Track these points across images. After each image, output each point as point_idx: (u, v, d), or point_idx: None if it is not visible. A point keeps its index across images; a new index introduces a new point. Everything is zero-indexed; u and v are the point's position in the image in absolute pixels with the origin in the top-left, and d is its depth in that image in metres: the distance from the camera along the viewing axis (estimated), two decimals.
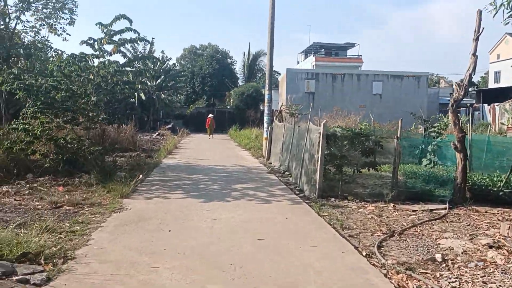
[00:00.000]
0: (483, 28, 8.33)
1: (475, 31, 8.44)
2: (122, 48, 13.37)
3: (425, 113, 24.56)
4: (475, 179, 9.76)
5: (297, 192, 10.05)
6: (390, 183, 9.69)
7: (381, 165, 11.54)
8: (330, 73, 43.68)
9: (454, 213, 8.23)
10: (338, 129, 9.74)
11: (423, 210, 8.43)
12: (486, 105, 42.16)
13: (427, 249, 5.94)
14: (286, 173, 12.84)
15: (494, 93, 44.82)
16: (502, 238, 6.41)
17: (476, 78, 75.68)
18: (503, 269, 5.14)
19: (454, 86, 8.82)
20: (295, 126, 13.15)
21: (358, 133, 9.57)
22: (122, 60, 13.61)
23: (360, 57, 58.57)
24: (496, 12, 7.13)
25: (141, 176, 10.60)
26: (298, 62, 64.03)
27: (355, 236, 6.47)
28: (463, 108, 50.40)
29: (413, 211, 8.39)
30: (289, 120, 15.64)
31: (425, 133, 17.10)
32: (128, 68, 13.43)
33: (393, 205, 8.76)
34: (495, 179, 9.84)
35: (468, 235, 6.69)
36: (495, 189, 9.39)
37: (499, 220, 7.76)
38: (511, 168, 9.56)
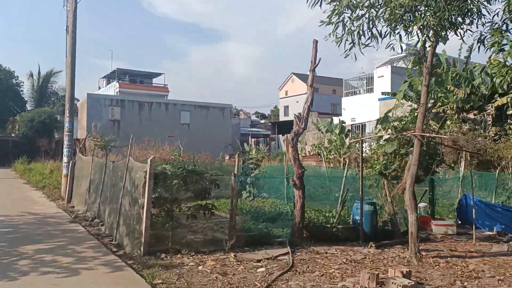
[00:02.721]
0: (320, 59, 8.03)
1: (311, 62, 8.06)
2: None
3: (231, 143, 25.17)
4: (312, 216, 9.37)
5: (114, 249, 7.80)
6: (226, 227, 8.44)
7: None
8: (136, 100, 41.48)
9: (300, 259, 7.43)
10: (168, 167, 8.03)
11: (267, 259, 7.39)
12: (280, 135, 46.45)
13: None
14: (96, 220, 10.29)
15: (287, 125, 49.97)
16: None
17: (266, 111, 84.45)
18: None
19: (294, 119, 8.24)
20: (107, 161, 10.79)
21: (192, 170, 8.04)
22: None
23: (166, 86, 57.87)
24: (340, 42, 6.76)
25: None
26: (99, 88, 59.26)
27: None
28: (262, 138, 55.15)
29: (258, 261, 7.28)
30: (98, 153, 13.04)
31: (244, 165, 16.83)
32: None
33: (234, 255, 7.52)
34: (327, 214, 9.67)
35: None
36: (329, 225, 9.16)
37: (343, 262, 7.31)
38: (341, 203, 9.53)
